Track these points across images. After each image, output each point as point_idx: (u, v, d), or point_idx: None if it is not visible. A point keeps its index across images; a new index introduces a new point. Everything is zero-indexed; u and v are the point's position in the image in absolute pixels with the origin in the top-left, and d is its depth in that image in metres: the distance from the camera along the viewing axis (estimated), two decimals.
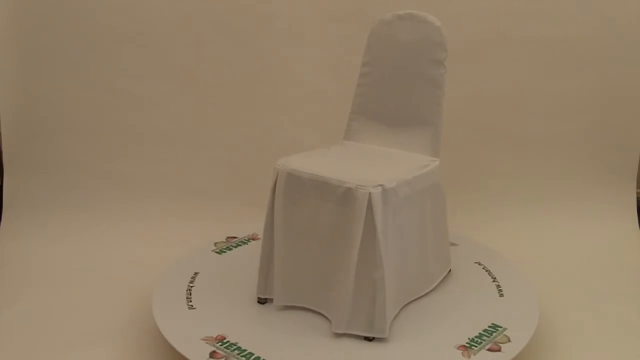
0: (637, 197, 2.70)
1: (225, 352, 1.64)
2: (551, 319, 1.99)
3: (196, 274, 2.03)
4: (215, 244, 2.25)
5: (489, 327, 1.75)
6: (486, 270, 2.10)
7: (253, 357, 1.62)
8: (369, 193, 1.63)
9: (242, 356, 1.62)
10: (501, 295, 1.94)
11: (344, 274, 1.69)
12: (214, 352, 1.64)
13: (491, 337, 1.70)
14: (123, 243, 2.42)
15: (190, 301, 1.87)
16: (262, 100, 2.64)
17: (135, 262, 2.29)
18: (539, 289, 2.02)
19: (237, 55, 2.59)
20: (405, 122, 1.98)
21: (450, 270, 2.04)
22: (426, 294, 1.92)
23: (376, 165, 1.85)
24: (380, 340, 1.70)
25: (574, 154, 2.68)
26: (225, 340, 1.68)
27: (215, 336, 1.70)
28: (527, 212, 2.63)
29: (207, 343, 1.67)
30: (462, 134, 2.61)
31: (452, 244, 2.18)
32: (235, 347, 1.66)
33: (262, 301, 1.88)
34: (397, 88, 1.99)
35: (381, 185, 1.65)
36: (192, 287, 1.95)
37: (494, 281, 2.02)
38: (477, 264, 2.14)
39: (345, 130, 2.08)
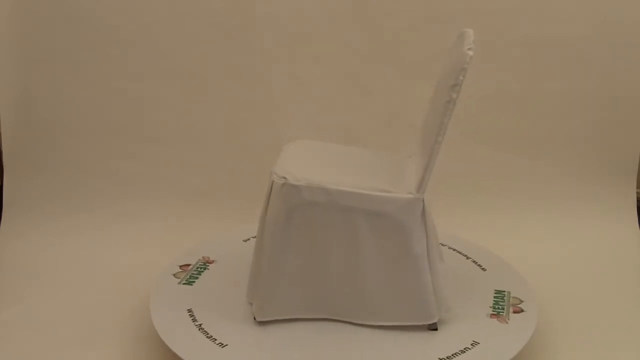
0: (637, 197, 2.70)
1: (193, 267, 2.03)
2: (551, 319, 1.99)
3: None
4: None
5: None
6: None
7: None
8: (272, 181, 1.68)
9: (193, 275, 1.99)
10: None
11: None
12: (187, 264, 2.05)
13: None
14: (122, 243, 2.41)
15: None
16: (262, 100, 2.64)
17: (135, 263, 2.29)
18: (539, 288, 2.02)
19: (237, 55, 2.59)
20: (424, 145, 1.77)
21: (436, 328, 1.76)
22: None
23: (340, 169, 1.79)
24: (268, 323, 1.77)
25: (574, 154, 2.68)
26: (208, 262, 2.08)
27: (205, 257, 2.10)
28: (526, 212, 2.62)
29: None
30: (461, 134, 2.60)
31: (520, 302, 1.90)
32: (203, 269, 2.04)
33: None
34: (430, 110, 1.83)
35: (285, 178, 1.66)
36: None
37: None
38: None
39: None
